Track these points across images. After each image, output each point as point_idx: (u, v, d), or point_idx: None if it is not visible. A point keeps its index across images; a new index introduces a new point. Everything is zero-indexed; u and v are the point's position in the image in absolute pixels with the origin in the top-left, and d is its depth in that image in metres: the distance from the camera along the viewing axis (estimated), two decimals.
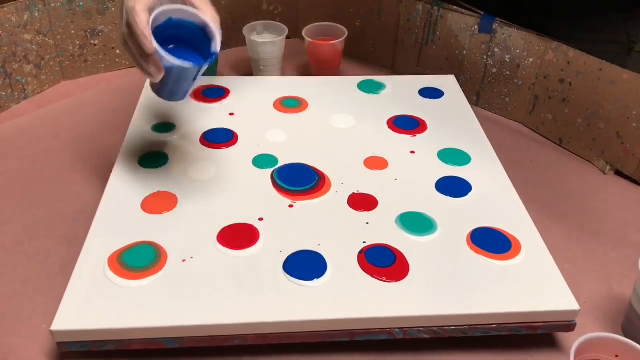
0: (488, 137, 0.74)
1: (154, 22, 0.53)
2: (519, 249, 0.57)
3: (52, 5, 0.85)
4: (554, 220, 0.68)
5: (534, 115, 0.83)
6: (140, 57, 0.54)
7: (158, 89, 0.60)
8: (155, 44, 0.52)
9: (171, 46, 0.57)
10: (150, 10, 0.53)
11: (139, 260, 0.55)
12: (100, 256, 0.55)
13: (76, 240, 0.58)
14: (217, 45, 0.56)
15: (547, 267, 0.56)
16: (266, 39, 0.91)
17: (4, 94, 0.83)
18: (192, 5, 0.56)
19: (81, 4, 0.87)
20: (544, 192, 0.73)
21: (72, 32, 0.88)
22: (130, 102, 0.79)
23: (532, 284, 0.54)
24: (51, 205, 0.67)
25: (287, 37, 0.92)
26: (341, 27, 0.92)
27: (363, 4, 0.95)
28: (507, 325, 0.52)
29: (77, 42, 0.89)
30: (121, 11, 0.55)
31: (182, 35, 0.57)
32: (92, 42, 0.90)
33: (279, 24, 0.93)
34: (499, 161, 0.69)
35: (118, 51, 0.93)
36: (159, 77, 0.55)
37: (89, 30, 0.89)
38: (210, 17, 0.56)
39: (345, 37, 0.91)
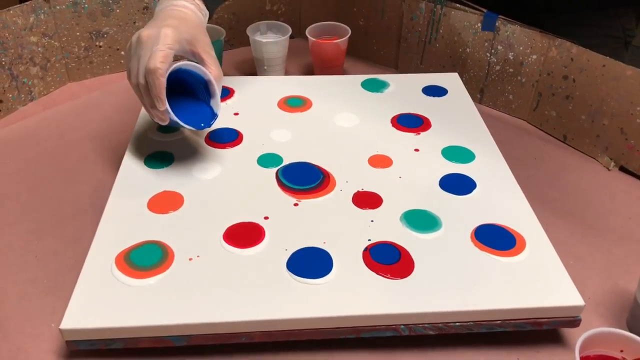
0: (492, 134, 0.74)
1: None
2: (523, 246, 0.57)
3: (58, 7, 0.85)
4: (558, 217, 0.68)
5: (537, 112, 0.84)
6: (151, 108, 0.61)
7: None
8: (167, 105, 0.59)
9: (174, 98, 0.62)
10: (169, 68, 0.59)
11: (146, 259, 0.55)
12: (107, 255, 0.55)
13: (83, 239, 0.59)
14: (217, 104, 0.64)
15: (552, 263, 0.56)
16: (270, 39, 0.91)
17: (10, 96, 0.84)
18: (201, 62, 0.63)
19: (86, 6, 0.88)
20: (548, 188, 0.73)
21: (77, 34, 0.89)
22: (136, 103, 0.79)
23: (536, 280, 0.54)
24: (58, 206, 0.68)
25: (291, 37, 0.92)
26: (344, 26, 0.92)
27: (366, 3, 0.95)
28: (512, 321, 0.52)
29: (82, 44, 0.90)
30: (131, 47, 0.61)
31: (187, 81, 0.64)
32: (97, 43, 0.91)
33: (282, 23, 0.94)
34: (502, 158, 0.70)
35: (123, 52, 0.94)
36: (163, 124, 0.63)
37: (94, 32, 0.90)
38: (214, 75, 0.62)
39: (348, 36, 0.91)
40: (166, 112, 0.60)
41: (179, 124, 0.62)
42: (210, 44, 0.64)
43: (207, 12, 0.69)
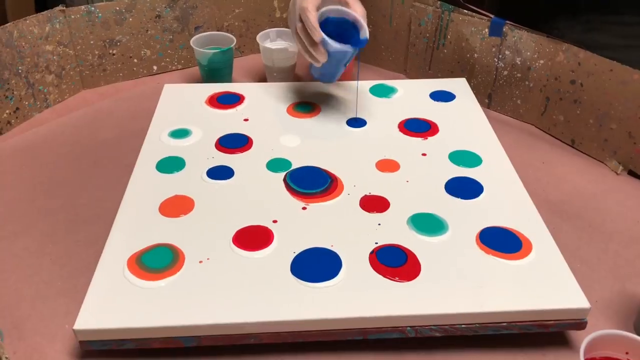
0: (500, 139, 0.74)
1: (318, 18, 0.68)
2: (529, 249, 0.58)
3: (72, 16, 0.87)
4: (565, 220, 0.69)
5: (545, 117, 0.84)
6: (310, 46, 0.69)
7: (319, 72, 0.76)
8: (322, 34, 0.67)
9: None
10: (317, 7, 0.68)
11: (157, 261, 0.56)
12: (120, 258, 0.56)
13: (97, 243, 0.60)
14: (365, 33, 0.70)
15: (558, 266, 0.56)
16: (279, 46, 0.92)
17: (27, 103, 0.86)
18: (346, 5, 0.69)
19: (100, 15, 0.90)
20: (556, 192, 0.73)
21: (92, 42, 0.91)
22: (148, 109, 0.81)
23: (542, 283, 0.54)
24: (73, 210, 0.69)
25: None
26: None
27: (374, 10, 0.96)
28: (518, 323, 0.53)
29: (96, 52, 0.92)
30: (291, 10, 0.72)
31: (337, 31, 0.70)
32: (111, 51, 0.93)
33: None
34: (510, 163, 0.70)
35: (136, 60, 0.96)
36: (323, 61, 0.69)
37: (108, 40, 0.92)
38: (360, 13, 0.69)
39: None
40: (323, 43, 0.67)
41: (336, 50, 0.68)
42: None
43: None
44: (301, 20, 0.68)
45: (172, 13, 0.95)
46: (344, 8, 0.69)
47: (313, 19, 0.66)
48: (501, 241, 0.58)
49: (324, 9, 0.69)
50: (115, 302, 0.52)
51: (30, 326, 0.56)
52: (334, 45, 0.68)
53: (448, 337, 0.53)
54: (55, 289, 0.59)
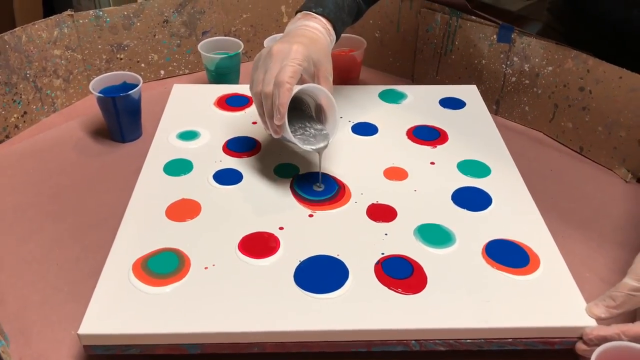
0: (508, 145, 0.74)
1: None
2: (537, 264, 0.57)
3: (81, 21, 0.88)
4: (574, 229, 0.68)
5: (553, 124, 0.83)
6: (267, 116, 0.61)
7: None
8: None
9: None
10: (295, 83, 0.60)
11: (163, 266, 0.56)
12: (125, 263, 0.56)
13: (104, 247, 0.60)
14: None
15: (565, 283, 0.56)
16: None
17: (34, 107, 0.86)
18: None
19: (108, 19, 0.90)
20: (565, 200, 0.73)
21: (99, 46, 0.91)
22: (156, 113, 0.81)
23: (549, 300, 0.54)
24: (79, 214, 0.69)
25: None
26: (360, 38, 0.93)
27: (382, 16, 0.96)
28: (524, 339, 0.52)
29: (104, 57, 0.92)
30: (259, 59, 0.62)
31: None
32: (118, 56, 0.93)
33: None
34: (519, 174, 0.69)
35: (143, 65, 0.96)
36: (275, 136, 0.62)
37: (115, 45, 0.92)
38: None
39: (364, 48, 0.92)
40: (283, 126, 0.59)
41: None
42: (331, 71, 0.64)
43: (335, 37, 0.69)
44: (274, 91, 0.59)
45: (179, 18, 0.95)
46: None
47: (285, 99, 0.58)
48: (509, 255, 0.58)
49: (305, 85, 0.61)
50: (120, 307, 0.52)
51: (36, 332, 0.56)
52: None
53: (452, 351, 0.53)
54: (62, 295, 0.59)
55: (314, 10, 0.67)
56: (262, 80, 0.60)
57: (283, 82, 0.58)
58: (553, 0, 0.96)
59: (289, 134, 0.60)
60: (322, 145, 0.64)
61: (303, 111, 0.67)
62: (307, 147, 0.63)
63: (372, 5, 0.78)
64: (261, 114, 0.62)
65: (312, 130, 0.65)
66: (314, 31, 0.66)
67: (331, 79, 0.64)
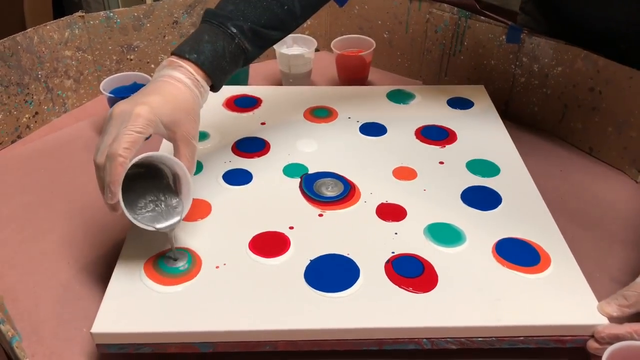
0: (517, 146, 0.74)
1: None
2: (547, 262, 0.57)
3: (91, 22, 0.88)
4: (584, 229, 0.68)
5: (563, 124, 0.83)
6: (101, 190, 0.52)
7: None
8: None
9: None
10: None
11: (174, 266, 0.56)
12: (136, 262, 0.57)
13: (115, 246, 0.61)
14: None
15: (576, 281, 0.55)
16: (296, 52, 0.93)
17: (45, 107, 0.87)
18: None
19: (118, 20, 0.90)
20: (575, 201, 0.72)
21: (110, 47, 0.92)
22: None
23: (560, 298, 0.54)
24: (91, 214, 0.70)
25: (316, 50, 0.94)
26: (369, 39, 0.94)
27: (390, 17, 0.96)
28: (535, 338, 0.52)
29: (114, 57, 0.93)
30: (105, 122, 0.53)
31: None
32: (128, 57, 0.94)
33: (308, 37, 0.95)
34: (528, 173, 0.69)
35: (153, 65, 0.96)
36: (113, 212, 0.53)
37: (125, 46, 0.93)
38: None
39: (373, 48, 0.92)
40: (118, 204, 0.51)
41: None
42: (195, 131, 0.55)
43: (208, 88, 0.59)
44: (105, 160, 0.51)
45: (189, 19, 0.96)
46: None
47: (117, 175, 0.49)
48: (519, 254, 0.58)
49: (147, 154, 0.52)
50: (132, 306, 0.53)
51: (48, 330, 0.56)
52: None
53: (464, 350, 0.53)
54: (73, 293, 0.60)
55: (187, 56, 0.57)
56: (99, 149, 0.52)
57: (115, 155, 0.49)
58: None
59: (126, 213, 0.51)
60: (169, 223, 0.54)
61: (161, 180, 0.57)
62: (149, 227, 0.53)
63: (267, 50, 0.67)
64: (99, 183, 0.52)
65: (163, 206, 0.55)
66: (175, 84, 0.55)
67: (194, 142, 0.55)
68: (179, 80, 0.56)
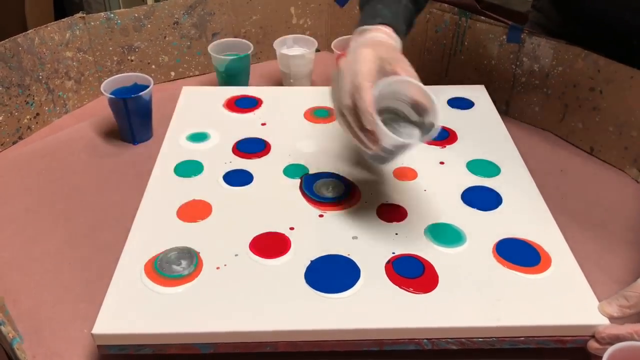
0: (518, 146, 0.74)
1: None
2: (548, 263, 0.57)
3: (92, 23, 0.88)
4: (585, 229, 0.68)
5: (564, 124, 0.83)
6: (359, 130, 0.55)
7: (369, 155, 0.61)
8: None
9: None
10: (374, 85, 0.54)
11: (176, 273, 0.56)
12: (137, 263, 0.57)
13: (116, 247, 0.61)
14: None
15: (577, 281, 0.55)
16: (296, 53, 0.93)
17: (47, 108, 0.87)
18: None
19: (119, 21, 0.90)
20: (575, 201, 0.72)
21: (110, 48, 0.92)
22: (166, 114, 0.81)
23: (561, 298, 0.54)
24: (91, 215, 0.70)
25: (317, 50, 0.94)
26: None
27: None
28: (536, 338, 0.52)
29: (115, 58, 0.93)
30: (335, 80, 0.58)
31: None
32: (129, 57, 0.94)
33: (308, 37, 0.95)
34: (529, 173, 0.69)
35: (154, 66, 0.96)
36: (375, 150, 0.56)
37: (126, 47, 0.93)
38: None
39: None
40: (378, 130, 0.53)
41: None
42: (409, 64, 0.58)
43: (399, 39, 0.64)
44: (353, 100, 0.54)
45: (189, 20, 0.96)
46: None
47: (368, 101, 0.53)
48: (520, 254, 0.58)
49: (382, 85, 0.55)
50: (132, 307, 0.53)
51: (49, 331, 0.56)
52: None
53: (464, 350, 0.53)
54: (74, 294, 0.60)
55: (369, 22, 0.63)
56: (339, 97, 0.56)
57: (361, 85, 0.53)
58: None
59: (386, 132, 0.53)
60: (423, 136, 0.56)
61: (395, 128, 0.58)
62: (412, 141, 0.55)
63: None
64: (352, 132, 0.56)
65: (404, 129, 0.58)
66: (375, 37, 0.62)
67: (413, 72, 0.58)
68: (375, 36, 0.62)
